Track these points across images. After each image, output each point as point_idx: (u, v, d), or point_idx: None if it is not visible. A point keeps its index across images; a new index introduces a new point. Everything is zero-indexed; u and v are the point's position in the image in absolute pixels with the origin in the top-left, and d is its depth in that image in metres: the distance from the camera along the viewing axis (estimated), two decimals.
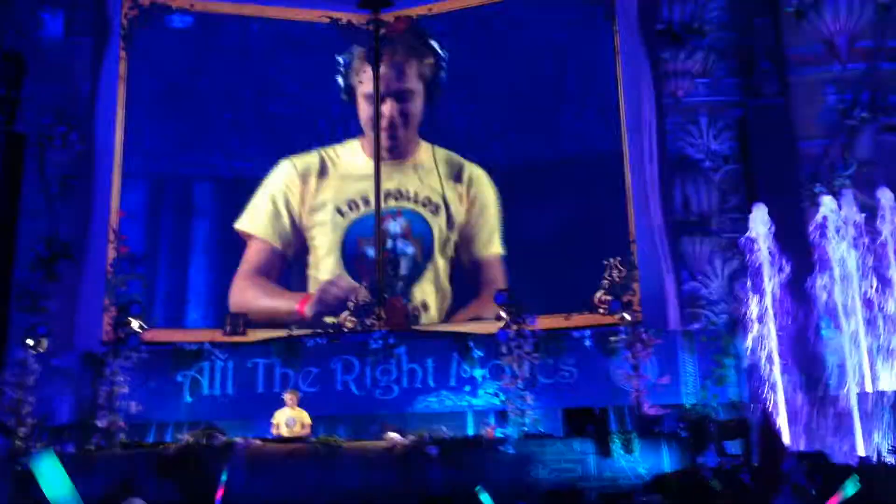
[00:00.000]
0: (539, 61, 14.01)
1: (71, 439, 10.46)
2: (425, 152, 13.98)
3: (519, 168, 13.84)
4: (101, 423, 10.64)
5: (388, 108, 13.82)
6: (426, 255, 13.68)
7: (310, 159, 14.04)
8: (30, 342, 10.95)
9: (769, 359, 10.19)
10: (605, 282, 12.56)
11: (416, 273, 13.69)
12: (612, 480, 9.42)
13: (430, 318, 13.52)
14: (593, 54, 13.83)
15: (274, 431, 10.79)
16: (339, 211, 13.79)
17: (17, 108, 13.51)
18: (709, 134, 13.36)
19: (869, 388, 9.78)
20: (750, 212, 11.29)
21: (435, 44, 14.08)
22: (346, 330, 12.73)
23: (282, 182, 13.94)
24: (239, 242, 13.98)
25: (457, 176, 13.87)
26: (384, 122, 13.82)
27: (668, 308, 12.27)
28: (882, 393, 9.55)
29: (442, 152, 14.00)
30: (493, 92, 14.07)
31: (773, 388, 9.98)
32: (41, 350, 10.97)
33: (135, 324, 11.41)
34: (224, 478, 8.19)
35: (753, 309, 10.53)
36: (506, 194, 13.91)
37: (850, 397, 9.60)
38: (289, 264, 13.84)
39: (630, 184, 13.27)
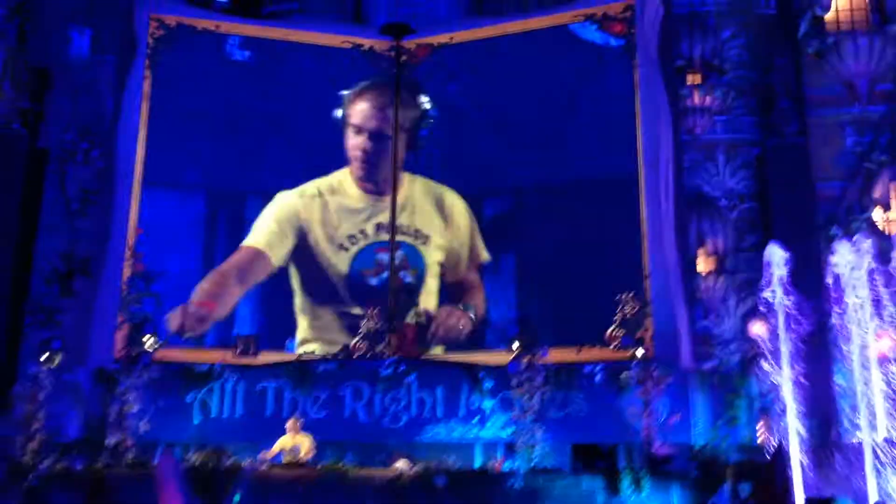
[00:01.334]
0: (557, 90, 14.06)
1: (79, 456, 10.45)
2: (408, 184, 13.96)
3: (530, 192, 13.84)
4: (109, 442, 10.66)
5: (364, 142, 13.84)
6: (419, 281, 13.69)
7: (312, 187, 14.00)
8: (43, 357, 10.99)
9: (781, 402, 10.11)
10: (618, 316, 12.48)
11: (414, 298, 13.65)
12: None
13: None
14: (612, 86, 13.85)
15: (281, 456, 10.77)
16: (342, 246, 13.73)
17: (41, 122, 13.65)
18: (726, 172, 13.38)
19: (882, 434, 9.67)
20: (765, 251, 11.26)
21: (424, 100, 14.06)
22: (356, 356, 12.68)
23: (295, 203, 13.89)
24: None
25: (438, 204, 13.92)
26: (360, 154, 13.85)
27: (681, 346, 12.17)
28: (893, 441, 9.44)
29: (422, 183, 13.99)
30: (510, 119, 14.10)
31: (784, 431, 9.88)
32: (54, 365, 11.00)
33: (147, 342, 11.46)
34: (237, 499, 8.18)
35: (766, 350, 10.46)
36: (517, 218, 13.89)
37: (864, 443, 9.50)
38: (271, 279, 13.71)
39: (645, 218, 13.18)
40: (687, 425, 11.27)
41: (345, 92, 13.90)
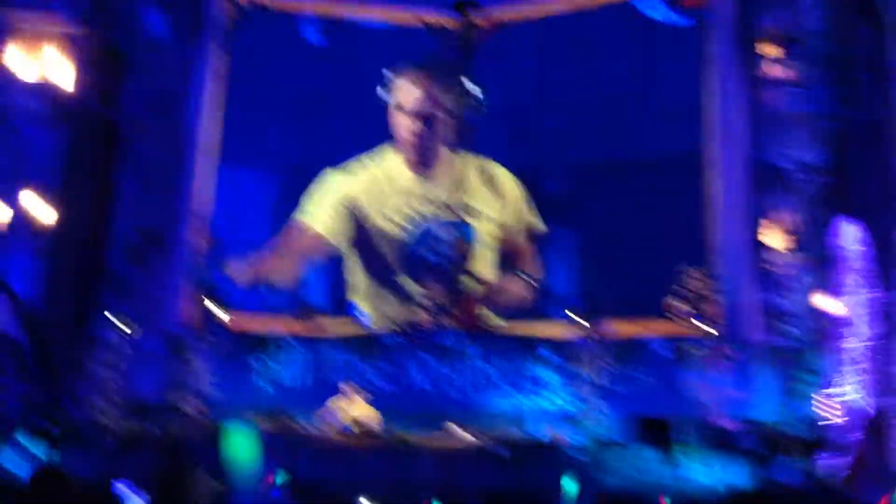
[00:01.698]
0: (622, 66, 13.86)
1: (154, 420, 10.85)
2: (459, 163, 13.82)
3: (591, 167, 13.71)
4: (183, 407, 11.03)
5: (412, 123, 13.56)
6: (476, 255, 13.61)
7: (363, 169, 13.96)
8: (119, 324, 11.42)
9: (851, 380, 9.88)
10: (684, 291, 12.33)
11: (472, 272, 13.58)
12: (684, 492, 9.26)
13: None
14: (681, 61, 13.61)
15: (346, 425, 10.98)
16: (398, 226, 13.65)
17: (116, 100, 14.08)
18: (802, 145, 13.02)
19: None
20: (840, 228, 10.96)
21: (473, 87, 13.80)
22: (420, 329, 12.81)
23: (347, 183, 13.91)
24: None
25: (489, 179, 13.79)
26: (410, 136, 13.59)
27: (749, 321, 11.96)
28: None
29: (472, 160, 13.86)
30: (573, 97, 13.96)
31: (853, 409, 9.66)
32: (129, 332, 11.42)
33: (218, 311, 11.80)
34: (280, 480, 8.35)
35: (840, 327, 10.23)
36: (578, 194, 13.75)
37: None
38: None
39: (715, 192, 13.02)
40: (753, 401, 11.11)
41: (391, 73, 13.71)
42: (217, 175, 14.05)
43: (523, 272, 13.35)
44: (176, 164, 13.76)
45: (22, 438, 10.11)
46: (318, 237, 13.54)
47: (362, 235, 13.67)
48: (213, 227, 13.65)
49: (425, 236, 13.61)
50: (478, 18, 14.55)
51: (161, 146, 13.78)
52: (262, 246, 13.62)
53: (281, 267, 13.37)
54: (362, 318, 13.34)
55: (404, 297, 13.23)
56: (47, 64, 13.31)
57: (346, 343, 12.74)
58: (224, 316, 11.71)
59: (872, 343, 10.01)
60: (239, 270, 12.95)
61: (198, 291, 12.90)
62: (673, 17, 13.68)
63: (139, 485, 8.32)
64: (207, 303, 11.55)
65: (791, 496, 8.32)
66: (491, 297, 13.32)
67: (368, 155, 13.88)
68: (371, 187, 13.70)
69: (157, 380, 11.89)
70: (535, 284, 13.30)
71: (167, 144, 13.82)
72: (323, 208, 13.66)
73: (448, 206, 13.67)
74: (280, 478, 8.91)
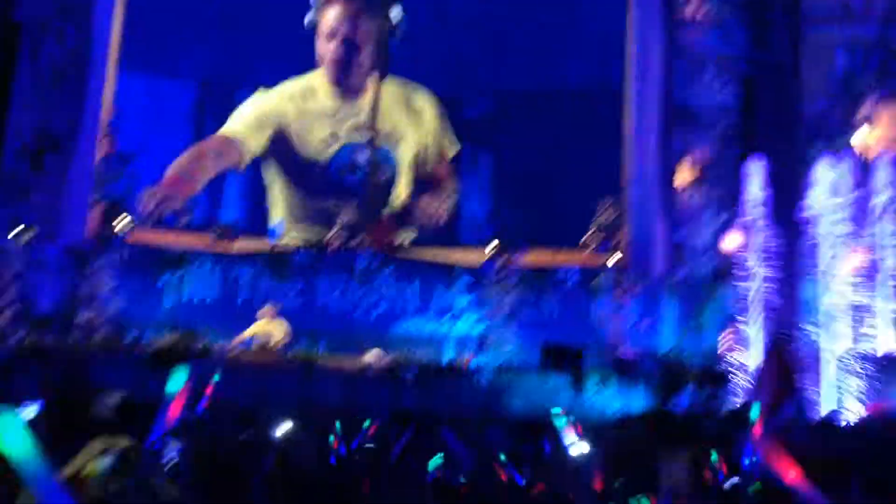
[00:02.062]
0: None
1: (50, 331, 10.48)
2: (379, 86, 13.72)
3: (512, 95, 13.69)
4: (80, 319, 10.68)
5: (337, 47, 13.53)
6: (393, 178, 13.63)
7: (288, 88, 13.75)
8: (13, 232, 10.89)
9: (749, 313, 10.25)
10: (595, 223, 12.52)
11: (389, 194, 13.60)
12: (585, 417, 9.52)
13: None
14: None
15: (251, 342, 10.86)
16: (318, 145, 13.54)
17: None
18: (714, 85, 13.21)
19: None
20: (746, 167, 11.23)
21: (397, 12, 13.66)
22: (332, 248, 12.67)
23: (274, 101, 13.71)
24: None
25: (409, 103, 13.79)
26: (332, 59, 13.55)
27: (655, 254, 12.27)
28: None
29: (393, 84, 13.78)
30: (494, 23, 13.82)
31: (747, 342, 10.06)
32: (24, 241, 10.91)
33: (120, 223, 11.37)
34: (216, 378, 8.19)
35: (738, 263, 10.57)
36: (498, 121, 13.76)
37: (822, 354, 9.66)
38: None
39: (629, 127, 13.19)
40: (655, 332, 11.46)
41: None
42: (121, 81, 13.44)
43: (441, 191, 13.43)
44: (78, 65, 13.04)
45: None
46: (239, 145, 13.42)
47: (285, 153, 13.55)
48: (118, 135, 13.08)
49: (345, 157, 13.50)
50: None
51: (63, 45, 13.01)
52: (172, 159, 13.28)
53: (196, 177, 13.27)
54: (278, 234, 13.15)
55: (323, 216, 13.14)
56: None
57: (255, 259, 12.50)
58: (127, 227, 11.28)
59: (772, 278, 10.37)
60: (151, 200, 12.76)
61: (100, 201, 12.41)
62: None
63: (34, 396, 8.05)
64: (110, 214, 11.07)
65: (680, 422, 8.65)
66: (407, 217, 13.36)
67: (296, 77, 13.69)
68: (296, 107, 13.63)
69: (56, 292, 11.48)
70: (450, 206, 13.32)
71: (69, 44, 13.07)
72: (246, 119, 13.56)
73: (369, 129, 13.57)
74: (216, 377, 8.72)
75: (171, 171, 13.28)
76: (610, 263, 11.13)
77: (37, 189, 12.33)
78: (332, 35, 13.54)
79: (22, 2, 13.08)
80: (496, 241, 10.87)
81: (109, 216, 11.52)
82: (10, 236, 11.05)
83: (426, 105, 13.84)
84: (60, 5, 13.06)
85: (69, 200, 12.40)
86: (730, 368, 10.04)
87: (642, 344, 10.90)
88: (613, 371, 10.01)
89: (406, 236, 13.31)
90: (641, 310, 11.31)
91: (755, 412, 5.22)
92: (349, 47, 13.58)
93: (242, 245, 12.83)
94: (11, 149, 12.55)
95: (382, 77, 13.74)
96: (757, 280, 10.44)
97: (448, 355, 11.35)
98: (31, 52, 13.04)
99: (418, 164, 13.71)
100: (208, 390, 6.04)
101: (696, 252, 12.20)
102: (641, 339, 11.05)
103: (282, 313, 11.28)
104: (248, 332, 10.96)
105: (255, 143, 13.50)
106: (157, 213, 12.89)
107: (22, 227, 11.13)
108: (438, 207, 13.38)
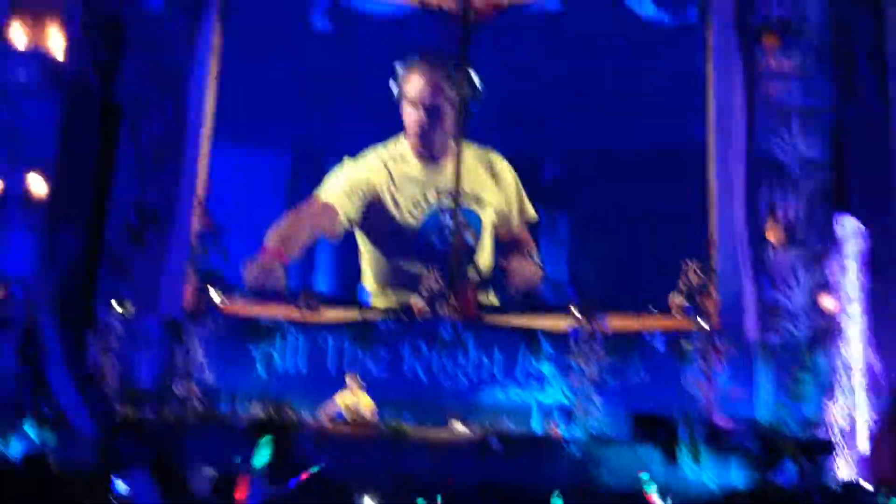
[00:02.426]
0: (623, 52, 13.77)
1: (149, 404, 10.82)
2: (462, 151, 14.00)
3: (589, 155, 13.72)
4: (177, 391, 11.00)
5: (420, 115, 14.00)
6: (477, 241, 13.85)
7: (377, 156, 14.16)
8: (115, 307, 11.35)
9: (852, 377, 9.91)
10: (682, 284, 12.31)
11: (473, 258, 13.79)
12: (678, 491, 9.31)
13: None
14: (682, 49, 13.54)
15: (339, 412, 11.00)
16: (408, 211, 13.96)
17: (115, 76, 13.91)
18: (800, 138, 12.97)
19: None
20: (839, 223, 10.95)
21: (474, 74, 14.03)
22: (417, 315, 12.81)
23: (365, 167, 14.15)
24: None
25: (488, 167, 14.08)
26: (416, 127, 14.01)
27: (747, 317, 11.99)
28: None
29: (473, 149, 14.06)
30: (571, 85, 13.90)
31: (851, 409, 9.70)
32: (126, 315, 11.35)
33: (215, 295, 11.74)
34: (316, 469, 8.36)
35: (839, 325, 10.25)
36: (575, 182, 13.81)
37: None
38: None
39: (713, 185, 13.00)
40: (750, 399, 11.14)
41: (399, 66, 14.01)
42: (215, 154, 13.96)
43: (529, 254, 13.54)
44: (176, 142, 13.64)
45: (23, 423, 10.08)
46: (335, 212, 13.89)
47: (377, 219, 13.95)
48: (212, 208, 13.57)
49: (433, 221, 13.85)
50: (477, 1, 14.42)
51: (161, 122, 13.64)
52: (264, 229, 13.70)
53: (295, 243, 13.76)
54: (367, 300, 13.41)
55: (411, 280, 13.36)
56: (46, 36, 13.25)
57: (342, 328, 12.71)
58: (222, 300, 11.65)
59: (873, 339, 10.03)
60: (255, 272, 13.34)
61: (196, 274, 12.85)
62: (662, 16, 13.59)
63: (134, 469, 8.33)
64: (206, 287, 11.47)
65: (788, 498, 8.37)
66: (494, 280, 13.47)
67: (382, 144, 14.12)
68: (386, 173, 14.08)
69: (154, 364, 11.87)
70: (540, 266, 13.37)
71: (167, 121, 13.70)
72: (339, 186, 14.02)
73: (454, 193, 13.88)
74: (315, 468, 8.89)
75: (271, 238, 13.76)
76: (699, 327, 10.88)
77: (137, 263, 12.86)
78: (415, 103, 14.04)
79: (122, 82, 13.79)
80: (579, 307, 10.77)
81: (205, 288, 11.89)
82: (111, 310, 11.49)
83: (505, 168, 14.08)
84: (158, 83, 13.72)
85: (167, 274, 12.92)
86: (834, 437, 9.69)
87: (737, 412, 10.59)
88: (707, 441, 9.74)
89: (492, 299, 13.40)
90: (734, 376, 11.02)
91: None
92: (432, 114, 14.03)
93: (331, 314, 13.07)
94: (114, 225, 13.15)
95: (463, 141, 14.05)
96: (857, 342, 10.11)
97: (535, 425, 11.27)
98: (132, 131, 13.71)
99: (501, 226, 13.89)
100: (304, 476, 6.16)
101: (790, 314, 11.87)
102: (735, 408, 10.75)
103: (368, 382, 11.39)
104: (336, 403, 11.10)
105: (350, 210, 13.93)
106: (262, 281, 13.36)
107: (122, 300, 11.57)
108: (531, 268, 13.48)
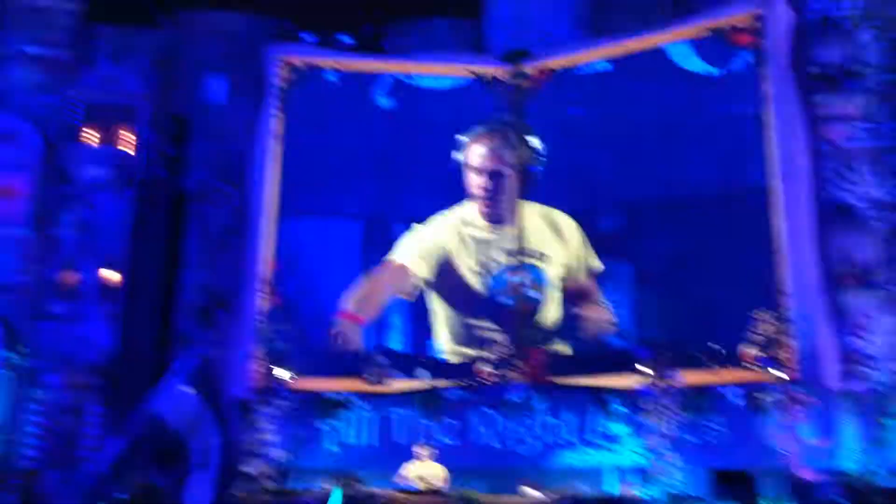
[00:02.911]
0: (674, 103, 13.72)
1: (220, 484, 10.85)
2: (525, 211, 14.31)
3: (648, 205, 13.60)
4: (249, 470, 11.03)
5: (485, 181, 14.35)
6: (545, 297, 13.88)
7: (446, 220, 14.43)
8: (186, 388, 11.52)
9: None
10: (756, 336, 11.94)
11: (540, 315, 13.77)
12: None
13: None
14: (734, 96, 13.43)
15: (410, 483, 10.87)
16: (478, 272, 14.16)
17: (183, 166, 14.49)
18: (870, 181, 12.65)
19: None
20: None
21: (532, 138, 14.36)
22: (485, 381, 12.69)
23: (435, 231, 14.44)
24: None
25: (552, 224, 14.30)
26: (482, 192, 14.36)
27: (826, 365, 11.51)
28: None
29: (535, 208, 14.36)
30: (626, 137, 13.89)
31: None
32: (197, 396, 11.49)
33: (283, 373, 11.85)
34: None
35: None
36: (636, 233, 13.69)
37: None
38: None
39: (781, 231, 12.66)
40: (834, 450, 10.65)
41: (463, 137, 14.40)
42: (282, 233, 14.25)
43: (598, 301, 13.49)
44: (240, 225, 14.01)
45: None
46: (410, 274, 14.18)
47: (448, 280, 14.21)
48: (279, 286, 13.80)
49: (501, 281, 14.01)
50: (528, 67, 14.65)
51: (226, 207, 14.08)
52: (334, 300, 13.87)
53: (370, 303, 13.98)
54: (440, 359, 13.46)
55: (481, 340, 13.47)
56: (118, 134, 13.95)
57: (409, 399, 12.67)
58: (291, 376, 11.76)
59: None
60: (337, 329, 13.51)
61: (264, 354, 13.02)
62: (710, 69, 13.55)
63: None
64: (273, 367, 11.62)
65: None
66: (566, 330, 13.46)
67: (450, 209, 14.47)
68: (456, 236, 14.45)
69: (224, 444, 11.94)
70: (612, 312, 13.30)
71: (232, 206, 14.12)
72: (411, 250, 14.36)
73: (520, 253, 14.05)
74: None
75: (347, 303, 13.91)
76: (777, 378, 10.50)
77: (206, 345, 13.11)
78: (480, 171, 14.40)
79: (188, 171, 14.33)
80: (648, 363, 10.52)
81: (273, 366, 12.03)
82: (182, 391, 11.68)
83: (567, 223, 14.24)
84: (222, 170, 14.20)
85: (235, 354, 13.11)
86: None
87: (820, 464, 10.12)
88: (792, 495, 9.31)
89: (564, 349, 13.29)
90: (816, 427, 10.56)
91: None
92: (496, 180, 14.35)
93: (397, 385, 13.06)
94: (184, 308, 13.49)
95: (526, 201, 14.28)
96: None
97: (610, 487, 10.93)
98: (198, 216, 14.19)
99: (567, 281, 13.93)
100: None
101: (870, 359, 11.39)
102: (819, 460, 10.27)
103: (438, 451, 11.26)
104: (407, 474, 11.00)
105: (425, 271, 14.18)
106: (340, 344, 13.46)
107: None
108: (603, 313, 13.42)
